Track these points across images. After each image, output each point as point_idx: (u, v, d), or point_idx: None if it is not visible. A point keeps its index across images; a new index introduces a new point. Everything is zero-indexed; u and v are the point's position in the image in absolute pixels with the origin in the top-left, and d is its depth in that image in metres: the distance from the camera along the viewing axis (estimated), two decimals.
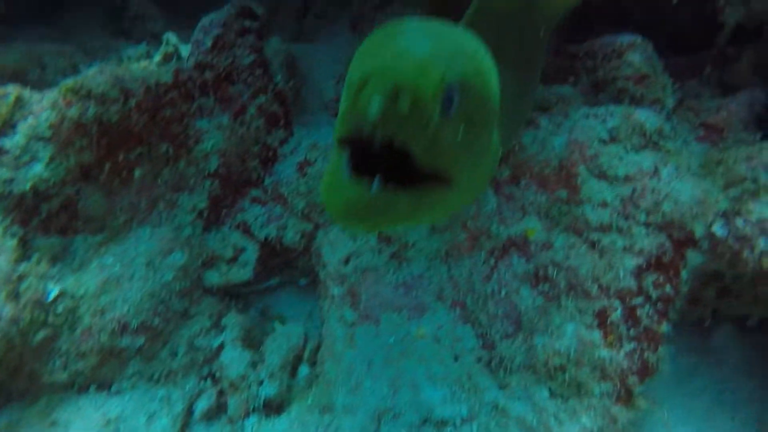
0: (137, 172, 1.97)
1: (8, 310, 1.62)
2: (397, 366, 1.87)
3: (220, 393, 1.96)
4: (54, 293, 1.76)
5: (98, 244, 1.93)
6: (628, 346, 1.81)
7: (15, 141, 1.75)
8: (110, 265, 1.89)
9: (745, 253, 1.71)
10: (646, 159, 1.85)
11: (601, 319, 1.82)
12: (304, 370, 2.03)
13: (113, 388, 1.87)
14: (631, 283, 1.82)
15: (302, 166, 2.23)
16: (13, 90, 1.79)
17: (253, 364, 1.98)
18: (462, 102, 0.94)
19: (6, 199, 1.76)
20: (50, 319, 1.74)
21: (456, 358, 1.92)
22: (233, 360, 1.96)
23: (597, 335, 1.81)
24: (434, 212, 1.07)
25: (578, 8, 2.03)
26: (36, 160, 1.77)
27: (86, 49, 2.58)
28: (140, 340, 1.87)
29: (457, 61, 0.94)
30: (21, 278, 1.71)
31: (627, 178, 1.84)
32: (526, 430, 1.75)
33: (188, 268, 2.03)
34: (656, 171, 1.84)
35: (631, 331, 1.82)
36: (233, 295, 2.30)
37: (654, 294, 1.81)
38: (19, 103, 1.77)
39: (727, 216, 1.78)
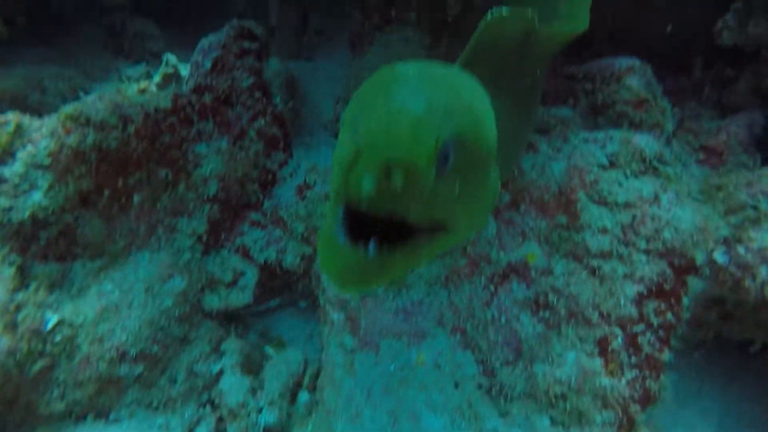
0: (136, 198, 1.96)
1: (5, 341, 1.61)
2: (397, 394, 1.86)
3: (220, 420, 1.95)
4: (52, 322, 1.75)
5: (97, 269, 1.92)
6: (630, 374, 1.80)
7: (14, 169, 1.75)
8: (109, 292, 1.89)
9: (747, 282, 1.70)
10: (646, 185, 1.85)
11: (602, 346, 1.82)
12: (303, 396, 2.02)
13: (111, 417, 1.86)
14: (632, 310, 1.81)
15: (301, 190, 2.23)
16: (12, 118, 1.79)
17: (253, 391, 1.97)
18: (458, 157, 0.93)
19: (5, 227, 1.75)
20: (48, 348, 1.73)
21: (456, 385, 1.91)
22: (232, 387, 1.95)
23: (598, 363, 1.80)
24: (432, 256, 1.06)
25: None
26: (35, 188, 1.76)
27: (86, 70, 2.58)
28: (139, 368, 1.86)
29: (452, 116, 0.93)
30: (19, 307, 1.70)
31: (627, 205, 1.83)
32: None
33: (187, 293, 2.02)
34: (656, 198, 1.83)
35: (633, 359, 1.81)
36: (233, 318, 2.29)
37: (655, 321, 1.80)
38: (18, 131, 1.77)
39: (728, 243, 1.78)
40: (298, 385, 2.03)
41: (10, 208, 1.74)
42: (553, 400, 1.80)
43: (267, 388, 1.95)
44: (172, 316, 1.96)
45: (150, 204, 2.00)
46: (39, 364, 1.69)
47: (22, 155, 1.75)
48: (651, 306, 1.81)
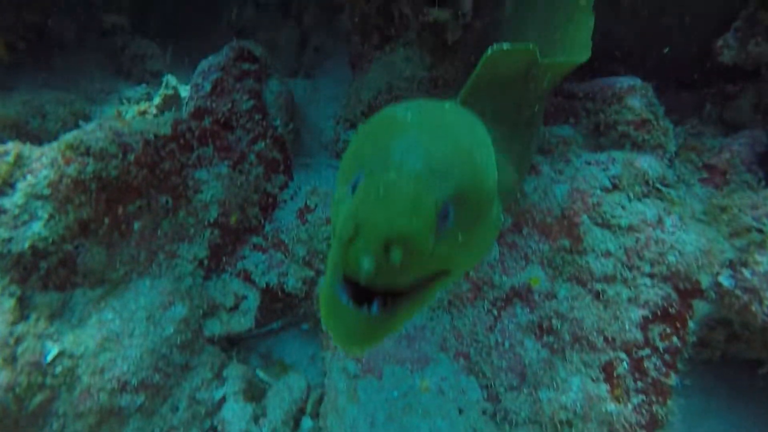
0: (137, 225, 1.96)
1: (4, 376, 1.59)
2: (400, 421, 1.84)
3: None
4: (52, 354, 1.74)
5: (98, 298, 1.91)
6: (636, 400, 1.78)
7: (14, 200, 1.74)
8: (110, 321, 1.87)
9: (754, 306, 1.68)
10: (650, 208, 1.83)
11: (608, 372, 1.80)
12: (306, 423, 2.00)
13: None
14: (637, 334, 1.79)
15: (302, 213, 2.22)
16: (12, 148, 1.78)
17: (255, 418, 1.95)
18: (458, 211, 0.92)
19: (4, 258, 1.74)
20: (48, 381, 1.71)
21: (460, 411, 1.89)
22: (235, 415, 1.93)
23: (603, 389, 1.79)
24: (434, 297, 1.05)
25: None
26: (35, 219, 1.75)
27: (87, 93, 2.59)
28: (140, 398, 1.84)
29: (451, 172, 0.92)
30: (18, 340, 1.69)
31: (630, 228, 1.82)
32: None
33: (189, 319, 2.01)
34: (660, 221, 1.82)
35: (639, 384, 1.79)
36: (235, 342, 2.27)
37: (661, 345, 1.79)
38: (18, 161, 1.76)
39: (733, 266, 1.76)
40: (301, 412, 2.02)
41: (9, 239, 1.73)
42: (559, 426, 1.78)
43: (270, 415, 1.94)
44: (174, 343, 1.95)
45: (150, 230, 1.99)
46: (39, 398, 1.68)
47: (22, 186, 1.75)
48: (656, 330, 1.79)
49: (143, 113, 2.56)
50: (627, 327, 1.79)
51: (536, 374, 1.84)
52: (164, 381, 1.92)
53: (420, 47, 2.33)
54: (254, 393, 2.05)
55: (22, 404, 1.65)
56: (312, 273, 2.19)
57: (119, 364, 1.82)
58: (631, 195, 1.86)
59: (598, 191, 1.88)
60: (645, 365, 1.79)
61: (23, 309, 1.77)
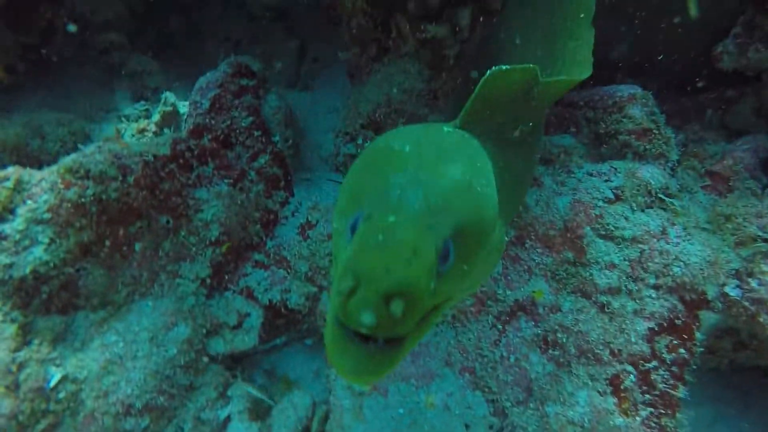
0: (138, 246, 1.95)
1: (7, 404, 1.59)
2: None
3: None
4: (56, 379, 1.73)
5: (100, 320, 1.91)
6: (644, 413, 1.76)
7: (14, 225, 1.73)
8: (113, 343, 1.87)
9: (762, 317, 1.67)
10: (653, 219, 1.82)
11: (615, 385, 1.78)
12: None
13: None
14: (643, 347, 1.78)
15: (304, 229, 2.21)
16: (12, 173, 1.78)
17: None
18: (459, 247, 0.91)
19: (6, 284, 1.73)
20: (51, 406, 1.71)
21: (467, 427, 1.87)
22: None
23: (611, 402, 1.77)
24: (437, 322, 1.04)
25: None
26: (36, 244, 1.75)
27: (86, 112, 2.59)
28: (145, 421, 1.83)
29: (452, 207, 0.91)
30: (21, 367, 1.68)
31: (634, 240, 1.80)
32: None
33: (192, 339, 2.00)
34: (664, 232, 1.80)
35: (647, 397, 1.77)
36: (238, 359, 2.26)
37: (668, 357, 1.77)
38: (18, 186, 1.76)
39: (739, 276, 1.75)
40: (306, 430, 2.00)
41: (10, 265, 1.73)
42: None
43: None
44: (178, 364, 1.94)
45: (152, 251, 1.98)
46: (42, 424, 1.67)
47: (22, 211, 1.74)
48: (663, 342, 1.77)
49: (142, 131, 2.56)
50: (633, 339, 1.78)
51: (542, 388, 1.83)
52: (169, 402, 1.91)
53: (418, 60, 2.33)
54: (259, 412, 2.04)
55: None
56: (315, 289, 2.18)
57: (123, 387, 1.81)
58: (634, 206, 1.84)
59: (601, 203, 1.87)
60: (652, 378, 1.77)
61: (25, 334, 1.76)
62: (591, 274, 1.83)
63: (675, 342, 1.77)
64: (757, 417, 2.28)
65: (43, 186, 1.78)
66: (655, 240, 1.79)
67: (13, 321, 1.73)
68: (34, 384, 1.69)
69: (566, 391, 1.80)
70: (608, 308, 1.81)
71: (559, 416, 1.78)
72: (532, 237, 1.92)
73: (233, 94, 2.36)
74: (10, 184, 1.75)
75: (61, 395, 1.73)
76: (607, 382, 1.78)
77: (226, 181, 2.13)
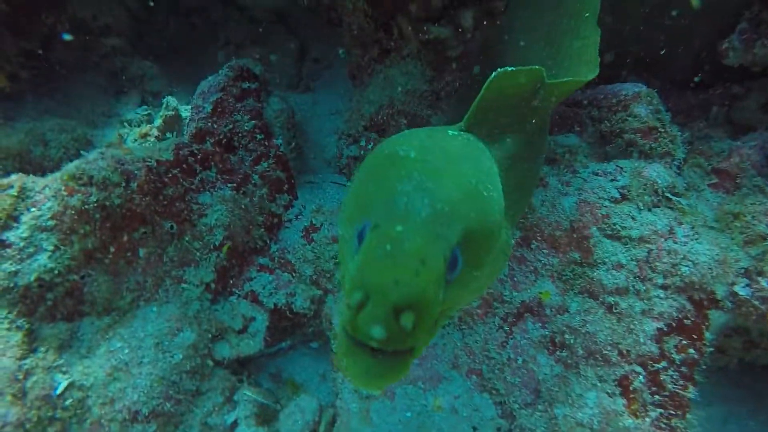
0: (142, 252, 1.95)
1: (14, 413, 1.59)
2: None
3: None
4: (62, 386, 1.73)
5: (106, 327, 1.90)
6: (654, 414, 1.74)
7: (19, 233, 1.73)
8: (118, 350, 1.86)
9: None
10: (660, 219, 1.80)
11: (624, 386, 1.77)
12: None
13: None
14: (652, 347, 1.76)
15: (308, 232, 2.20)
16: (16, 180, 1.78)
17: None
18: (466, 252, 0.90)
19: (11, 291, 1.73)
20: (58, 414, 1.71)
21: (475, 430, 1.86)
22: None
23: (620, 403, 1.75)
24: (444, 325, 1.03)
25: None
26: (40, 251, 1.75)
27: (88, 117, 2.58)
28: (152, 427, 1.83)
29: (458, 214, 0.89)
30: (27, 374, 1.68)
31: (641, 240, 1.79)
32: None
33: (198, 345, 2.00)
34: (671, 231, 1.79)
35: (656, 398, 1.75)
36: (244, 363, 2.26)
37: (677, 358, 1.75)
38: (22, 194, 1.76)
39: (749, 275, 1.73)
40: None
41: (15, 273, 1.73)
42: None
43: None
44: (184, 370, 1.94)
45: (156, 257, 1.98)
46: None
47: (26, 218, 1.74)
48: (672, 342, 1.76)
49: (145, 136, 2.55)
50: (642, 340, 1.76)
51: (551, 390, 1.81)
52: (175, 408, 1.91)
53: (420, 61, 2.31)
54: (266, 416, 2.04)
55: None
56: (320, 292, 2.17)
57: (129, 393, 1.81)
58: (641, 205, 1.83)
59: (607, 202, 1.85)
60: (662, 378, 1.75)
61: (31, 342, 1.76)
62: (598, 275, 1.82)
63: (684, 342, 1.75)
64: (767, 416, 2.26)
65: (46, 193, 1.78)
66: (662, 239, 1.77)
67: (18, 329, 1.73)
68: (40, 392, 1.68)
69: (575, 393, 1.78)
70: (616, 309, 1.79)
71: (567, 418, 1.76)
72: (538, 238, 1.90)
73: (235, 98, 2.35)
74: (13, 191, 1.75)
75: (68, 402, 1.73)
76: (616, 383, 1.77)
77: (229, 185, 2.13)
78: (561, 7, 1.73)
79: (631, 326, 1.77)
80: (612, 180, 1.88)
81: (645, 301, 1.77)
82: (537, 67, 1.18)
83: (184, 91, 3.14)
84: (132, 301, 1.97)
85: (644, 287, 1.77)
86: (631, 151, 1.99)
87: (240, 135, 2.28)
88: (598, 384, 1.78)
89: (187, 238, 2.03)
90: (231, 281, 2.17)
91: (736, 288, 1.71)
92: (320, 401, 2.14)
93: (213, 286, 2.10)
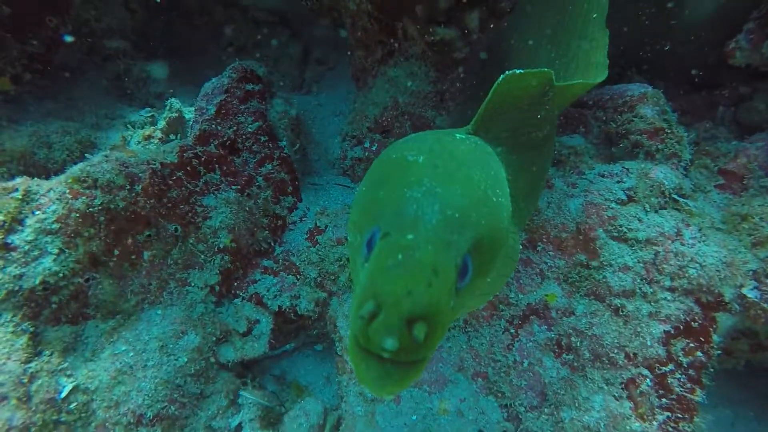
0: (146, 255, 1.94)
1: (19, 416, 1.58)
2: None
3: None
4: (67, 389, 1.72)
5: (110, 330, 1.90)
6: (661, 417, 1.73)
7: (23, 236, 1.73)
8: (123, 353, 1.86)
9: None
10: (667, 220, 1.79)
11: (631, 389, 1.75)
12: None
13: None
14: (659, 350, 1.75)
15: (312, 234, 2.19)
16: (21, 184, 1.78)
17: None
18: (476, 259, 0.89)
19: (16, 295, 1.73)
20: (63, 417, 1.70)
21: None
22: None
23: (627, 407, 1.74)
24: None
25: None
26: (45, 254, 1.74)
27: (91, 120, 2.58)
28: (156, 431, 1.82)
29: (468, 220, 0.88)
30: (32, 378, 1.68)
31: (648, 242, 1.78)
32: None
33: (202, 347, 1.99)
34: (679, 233, 1.77)
35: (663, 401, 1.74)
36: (249, 365, 2.25)
37: (685, 361, 1.74)
38: (26, 197, 1.75)
39: (757, 277, 1.71)
40: None
41: (20, 276, 1.72)
42: None
43: None
44: (188, 373, 1.93)
45: (161, 259, 1.97)
46: None
47: (30, 222, 1.74)
48: (679, 345, 1.75)
49: (148, 138, 2.55)
50: (649, 343, 1.75)
51: (557, 393, 1.80)
52: (180, 411, 1.90)
53: (425, 62, 2.30)
54: (271, 419, 2.03)
55: None
56: (324, 295, 2.16)
57: (134, 397, 1.80)
58: (648, 207, 1.81)
59: (614, 204, 1.84)
60: (669, 381, 1.74)
61: (36, 345, 1.76)
62: (605, 277, 1.81)
63: (692, 345, 1.74)
64: None
65: (51, 196, 1.78)
66: (669, 241, 1.76)
67: (23, 332, 1.72)
68: (45, 395, 1.68)
69: (581, 396, 1.77)
70: (623, 311, 1.78)
71: (574, 421, 1.75)
72: (544, 240, 1.89)
73: (239, 100, 2.35)
74: (18, 195, 1.75)
75: (73, 406, 1.72)
76: (623, 386, 1.75)
77: (233, 187, 2.12)
78: (568, 8, 1.72)
79: (638, 329, 1.76)
80: (618, 181, 1.86)
81: (652, 304, 1.76)
82: (546, 69, 1.16)
83: (187, 93, 3.13)
84: (136, 304, 1.96)
85: (651, 289, 1.76)
86: (638, 153, 1.97)
87: (244, 137, 2.28)
88: (605, 387, 1.77)
89: (191, 241, 2.02)
90: (235, 284, 2.16)
91: (744, 290, 1.70)
92: (325, 404, 2.13)
93: (217, 288, 2.09)
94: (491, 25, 1.97)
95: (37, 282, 1.74)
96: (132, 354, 1.86)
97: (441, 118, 2.38)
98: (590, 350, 1.79)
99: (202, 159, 2.08)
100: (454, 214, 0.87)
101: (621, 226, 1.81)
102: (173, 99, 2.62)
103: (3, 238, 1.71)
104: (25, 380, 1.66)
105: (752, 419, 2.21)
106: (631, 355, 1.76)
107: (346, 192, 2.42)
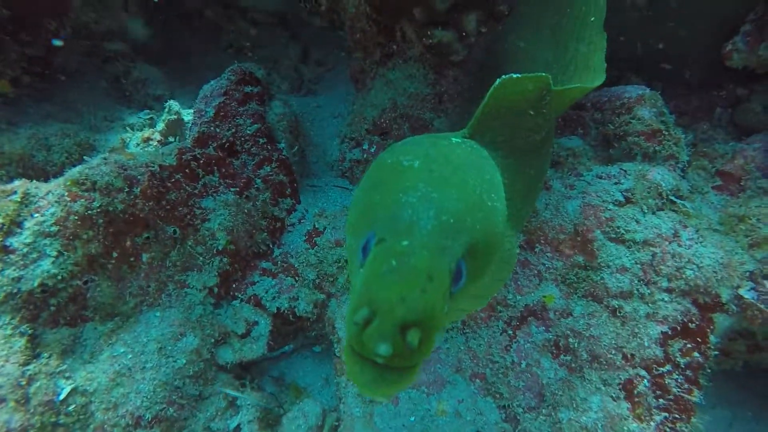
0: (145, 257, 1.94)
1: (17, 418, 1.59)
2: None
3: None
4: (65, 392, 1.73)
5: (109, 332, 1.90)
6: (659, 418, 1.74)
7: (22, 239, 1.73)
8: (121, 355, 1.86)
9: None
10: (665, 222, 1.80)
11: (628, 390, 1.76)
12: None
13: None
14: (656, 351, 1.75)
15: (311, 236, 2.20)
16: (19, 186, 1.78)
17: None
18: (470, 263, 0.90)
19: (14, 297, 1.73)
20: (62, 419, 1.70)
21: None
22: None
23: (625, 407, 1.75)
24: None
25: None
26: (43, 257, 1.75)
27: (90, 122, 2.58)
28: None
29: (463, 225, 0.89)
30: (30, 380, 1.68)
31: (646, 243, 1.78)
32: None
33: (201, 349, 1.99)
34: (676, 234, 1.78)
35: (661, 402, 1.75)
36: (247, 367, 2.25)
37: (682, 361, 1.75)
38: (25, 199, 1.76)
39: (754, 278, 1.72)
40: None
41: (19, 278, 1.72)
42: None
43: None
44: (187, 374, 1.93)
45: (159, 261, 1.98)
46: None
47: (29, 224, 1.74)
48: (676, 346, 1.75)
49: (147, 140, 2.55)
50: (646, 343, 1.76)
51: (555, 394, 1.81)
52: (178, 413, 1.90)
53: (423, 64, 2.31)
54: (269, 420, 2.03)
55: None
56: (323, 296, 2.16)
57: (132, 399, 1.80)
58: (645, 208, 1.82)
59: (611, 206, 1.84)
60: (666, 382, 1.75)
61: (34, 348, 1.76)
62: (602, 278, 1.81)
63: (689, 346, 1.75)
64: None
65: (49, 199, 1.78)
66: (667, 243, 1.77)
67: (22, 334, 1.73)
68: (44, 397, 1.68)
69: (579, 397, 1.78)
70: (620, 312, 1.79)
71: (572, 422, 1.75)
72: (542, 241, 1.90)
73: (238, 102, 2.35)
74: (17, 197, 1.75)
75: (71, 408, 1.72)
76: (620, 387, 1.76)
77: (232, 189, 2.12)
78: (566, 11, 1.72)
79: (636, 330, 1.77)
80: (616, 183, 1.87)
81: (649, 305, 1.77)
82: (543, 74, 1.17)
83: (186, 95, 3.14)
84: (135, 306, 1.97)
85: (649, 291, 1.77)
86: (635, 154, 1.98)
87: (243, 139, 2.28)
88: (603, 388, 1.77)
89: (190, 243, 2.02)
90: (234, 285, 2.16)
91: (741, 291, 1.70)
92: (323, 405, 2.13)
93: (216, 290, 2.09)
94: (489, 28, 1.97)
95: (36, 284, 1.74)
96: (130, 356, 1.87)
97: (439, 120, 2.38)
98: (588, 351, 1.79)
99: (201, 161, 2.08)
100: (450, 219, 0.88)
101: (618, 227, 1.82)
102: (172, 101, 2.63)
103: (1, 241, 1.71)
104: (24, 382, 1.66)
105: (750, 419, 2.22)
106: (629, 356, 1.76)
107: (345, 194, 2.42)
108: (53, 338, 1.81)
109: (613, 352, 1.77)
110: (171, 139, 2.54)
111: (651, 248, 1.77)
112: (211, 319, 2.08)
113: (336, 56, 3.62)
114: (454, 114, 2.26)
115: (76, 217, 1.77)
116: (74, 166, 1.89)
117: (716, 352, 1.76)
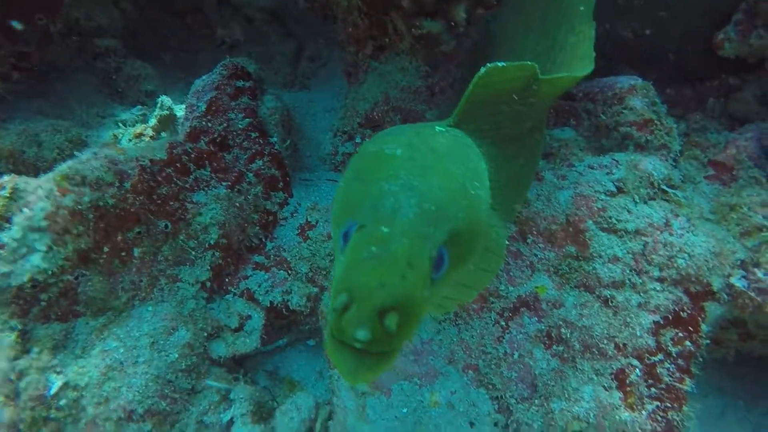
0: (137, 251, 1.94)
1: (7, 413, 1.58)
2: None
3: None
4: (56, 386, 1.72)
5: (100, 327, 1.90)
6: (651, 407, 1.74)
7: (11, 234, 1.72)
8: (113, 350, 1.86)
9: None
10: (656, 211, 1.80)
11: (620, 379, 1.76)
12: None
13: None
14: (648, 340, 1.75)
15: (303, 229, 2.19)
16: (8, 181, 1.77)
17: None
18: (452, 251, 0.90)
19: (4, 292, 1.73)
20: (53, 414, 1.70)
21: (472, 425, 1.85)
22: None
23: (617, 397, 1.75)
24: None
25: None
26: (33, 252, 1.74)
27: (82, 118, 2.58)
28: (147, 426, 1.82)
29: (445, 213, 0.89)
30: (21, 375, 1.68)
31: (638, 232, 1.78)
32: None
33: (193, 343, 1.99)
34: (668, 223, 1.78)
35: (653, 391, 1.75)
36: (241, 361, 2.25)
37: (674, 350, 1.75)
38: (14, 195, 1.75)
39: (745, 267, 1.72)
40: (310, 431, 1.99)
41: (8, 274, 1.72)
42: None
43: None
44: (179, 368, 1.93)
45: (151, 256, 1.97)
46: None
47: (18, 219, 1.73)
48: (668, 335, 1.75)
49: (139, 135, 2.54)
50: (638, 333, 1.76)
51: (547, 384, 1.81)
52: (171, 407, 1.90)
53: (415, 56, 2.30)
54: (262, 414, 2.03)
55: None
56: (316, 289, 2.16)
57: (124, 393, 1.80)
58: (637, 198, 1.82)
59: (603, 196, 1.84)
60: (658, 371, 1.75)
61: (25, 343, 1.75)
62: (594, 268, 1.81)
63: (681, 335, 1.75)
64: (766, 407, 2.25)
65: (39, 194, 1.77)
66: (658, 232, 1.77)
67: (12, 329, 1.72)
68: (34, 392, 1.68)
69: (571, 387, 1.78)
70: (612, 302, 1.79)
71: (564, 412, 1.76)
72: (534, 232, 1.90)
73: (230, 96, 2.34)
74: (6, 192, 1.75)
75: (62, 402, 1.72)
76: (613, 376, 1.76)
77: (224, 183, 2.12)
78: (555, 1, 1.71)
79: (628, 319, 1.77)
80: (608, 173, 1.87)
81: (641, 294, 1.77)
82: (529, 62, 1.16)
83: (178, 91, 3.13)
84: (127, 301, 1.96)
85: (640, 280, 1.77)
86: (627, 144, 1.98)
87: (234, 133, 2.27)
88: (595, 378, 1.77)
89: (181, 237, 2.02)
90: (226, 279, 2.16)
91: (733, 280, 1.70)
92: (317, 398, 2.13)
93: (208, 284, 2.09)
94: (478, 18, 1.96)
95: (26, 279, 1.74)
96: (122, 350, 1.86)
97: (432, 113, 2.38)
98: (580, 341, 1.79)
99: (192, 155, 2.07)
100: (431, 207, 0.88)
101: (610, 217, 1.82)
102: (164, 97, 2.62)
103: None
104: (14, 377, 1.66)
105: (741, 408, 2.22)
106: (621, 345, 1.77)
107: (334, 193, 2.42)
108: (44, 333, 1.80)
109: (606, 341, 1.77)
110: (163, 134, 2.53)
111: (643, 238, 1.77)
112: (204, 313, 2.08)
113: (329, 51, 3.61)
114: (447, 106, 2.26)
115: (66, 212, 1.76)
116: (65, 162, 1.89)
117: (708, 341, 1.76)
